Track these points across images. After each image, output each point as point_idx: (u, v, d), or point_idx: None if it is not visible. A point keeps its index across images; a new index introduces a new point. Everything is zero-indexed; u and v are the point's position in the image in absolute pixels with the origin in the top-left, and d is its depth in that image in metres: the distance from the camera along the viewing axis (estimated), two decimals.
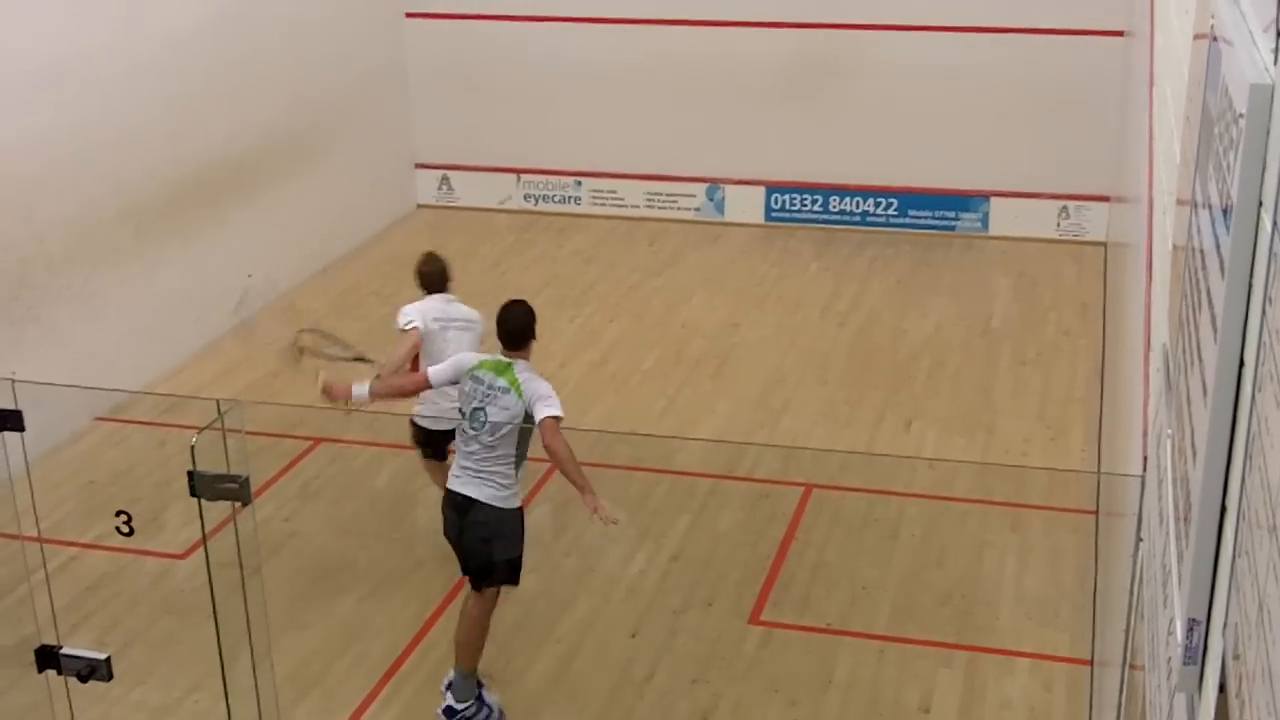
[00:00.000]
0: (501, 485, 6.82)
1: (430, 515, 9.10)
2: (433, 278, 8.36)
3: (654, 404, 10.58)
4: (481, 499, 6.80)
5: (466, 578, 7.10)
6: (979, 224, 14.13)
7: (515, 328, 6.94)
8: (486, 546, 6.88)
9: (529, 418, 6.76)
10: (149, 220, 11.00)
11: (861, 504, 8.96)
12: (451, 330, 8.00)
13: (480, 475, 6.82)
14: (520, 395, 6.76)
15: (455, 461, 7.03)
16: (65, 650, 5.43)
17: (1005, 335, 11.72)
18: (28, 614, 5.63)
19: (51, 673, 5.43)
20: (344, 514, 9.10)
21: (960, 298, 12.58)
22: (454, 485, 6.90)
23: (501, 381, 6.78)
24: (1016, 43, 13.52)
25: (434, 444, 8.30)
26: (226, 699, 5.26)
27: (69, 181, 10.09)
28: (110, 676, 5.39)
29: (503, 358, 6.89)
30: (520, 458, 6.88)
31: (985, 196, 14.05)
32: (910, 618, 7.79)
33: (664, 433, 10.00)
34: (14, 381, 5.26)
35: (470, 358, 6.99)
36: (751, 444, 9.67)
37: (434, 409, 7.97)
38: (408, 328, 7.95)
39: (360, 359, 8.29)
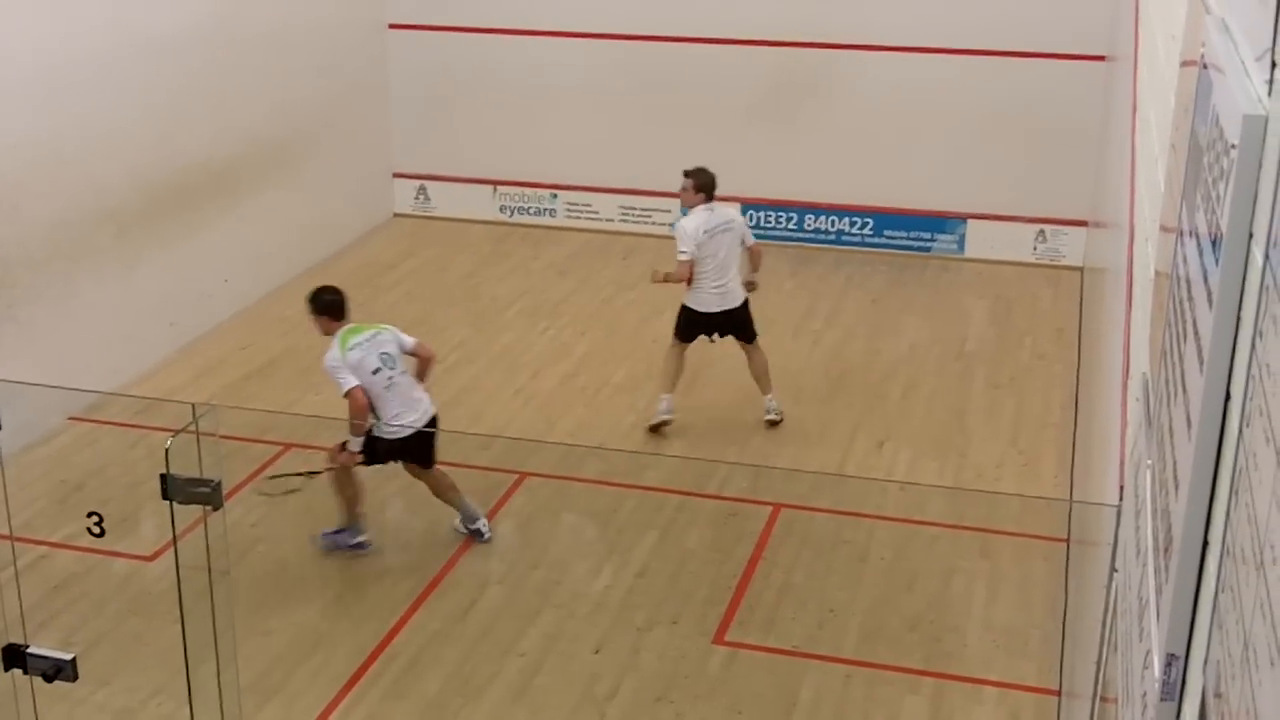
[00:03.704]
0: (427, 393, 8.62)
1: (396, 524, 9.11)
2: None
3: (624, 418, 10.56)
4: (428, 411, 8.51)
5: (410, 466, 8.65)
6: (955, 246, 14.17)
7: (343, 303, 8.53)
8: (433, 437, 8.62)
9: None
10: (130, 223, 10.97)
11: (831, 525, 8.95)
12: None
13: (415, 399, 8.46)
14: (388, 329, 8.51)
15: (391, 410, 8.31)
16: (32, 649, 5.37)
17: (980, 358, 11.74)
18: None
19: (17, 671, 5.37)
20: (311, 521, 9.04)
21: (935, 319, 12.60)
22: (408, 420, 8.37)
23: (371, 332, 8.42)
24: (995, 65, 13.57)
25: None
26: (190, 703, 5.22)
27: (52, 183, 10.05)
28: (76, 677, 5.33)
29: (349, 325, 8.44)
30: None
31: (962, 218, 14.09)
32: (878, 642, 7.77)
33: (633, 448, 9.98)
34: None
35: (333, 353, 8.29)
36: (721, 461, 9.66)
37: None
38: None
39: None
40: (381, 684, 7.38)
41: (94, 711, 7.02)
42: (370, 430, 8.30)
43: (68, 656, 5.40)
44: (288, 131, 13.19)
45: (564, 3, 14.62)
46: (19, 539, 7.14)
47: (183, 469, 5.50)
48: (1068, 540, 8.34)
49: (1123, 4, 11.19)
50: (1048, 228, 13.85)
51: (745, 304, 10.25)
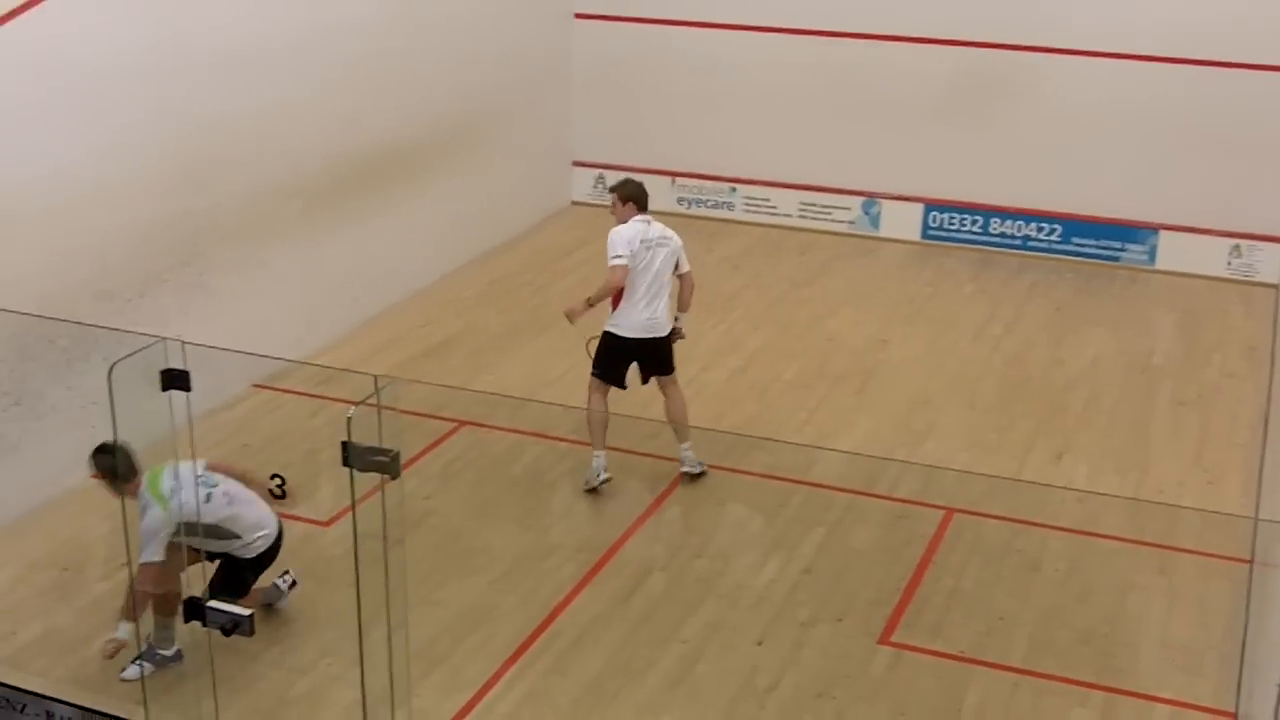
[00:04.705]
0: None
1: (565, 503, 9.18)
2: None
3: (794, 415, 10.50)
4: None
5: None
6: (1145, 256, 13.80)
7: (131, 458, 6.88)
8: None
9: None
10: (317, 199, 11.25)
11: (1004, 533, 8.78)
12: None
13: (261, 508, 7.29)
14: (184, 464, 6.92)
15: (250, 521, 7.21)
16: (212, 604, 5.53)
17: (1165, 373, 11.42)
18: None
19: (196, 624, 5.54)
20: (481, 497, 9.17)
21: (1121, 331, 12.29)
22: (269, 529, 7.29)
23: (170, 467, 6.90)
24: (1197, 74, 13.17)
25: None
26: (361, 665, 5.32)
27: (243, 158, 10.36)
28: (252, 632, 5.49)
29: (147, 472, 6.94)
30: None
31: (1153, 229, 13.72)
32: (1047, 653, 7.60)
33: (802, 443, 9.90)
34: (184, 343, 5.39)
35: (155, 513, 6.85)
36: (894, 459, 9.55)
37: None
38: None
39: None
40: (544, 660, 7.45)
41: (267, 668, 7.19)
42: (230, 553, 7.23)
43: (245, 612, 5.55)
44: (470, 116, 13.39)
45: None
46: None
47: (362, 438, 5.63)
48: (1251, 560, 8.07)
49: None
50: (1243, 243, 13.41)
51: (670, 335, 9.29)
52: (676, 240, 9.26)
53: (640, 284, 9.02)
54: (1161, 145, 13.43)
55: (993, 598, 8.12)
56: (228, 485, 7.17)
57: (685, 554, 8.54)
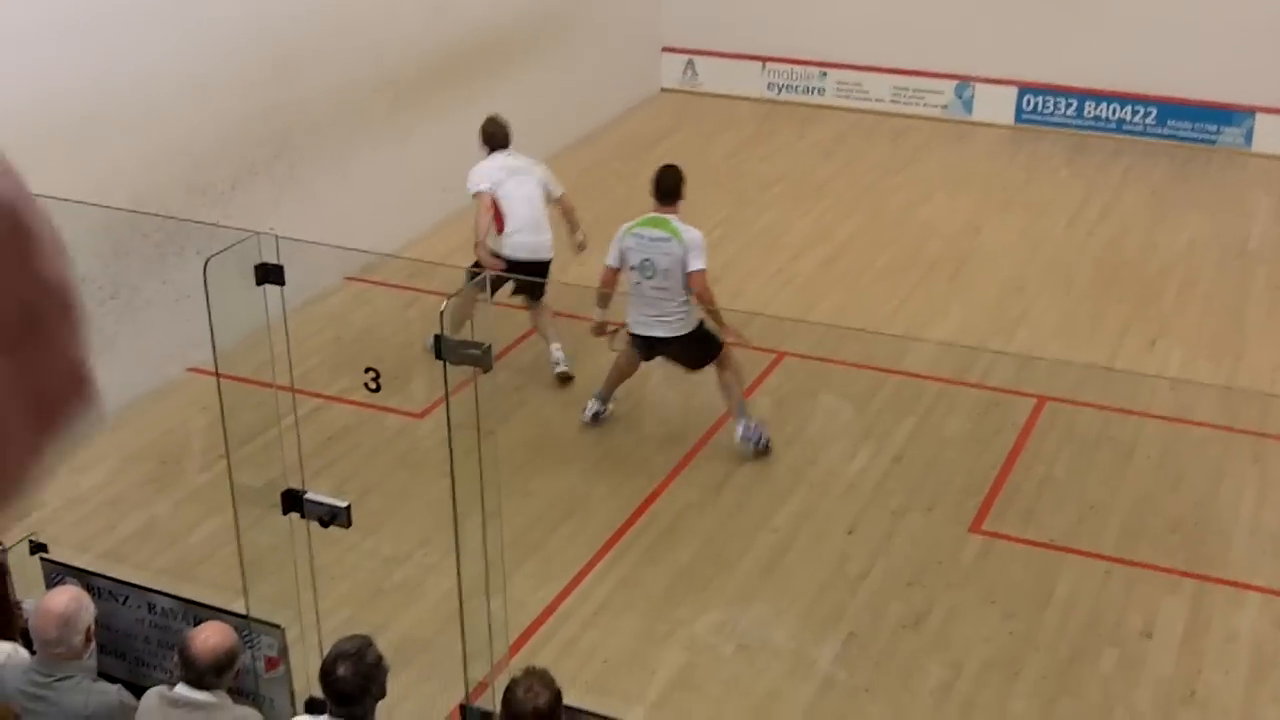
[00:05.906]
0: (679, 318, 8.09)
1: (656, 394, 9.21)
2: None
3: (885, 304, 10.44)
4: (665, 335, 8.13)
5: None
6: (1242, 139, 13.47)
7: (669, 186, 8.19)
8: (693, 358, 8.29)
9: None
10: (404, 92, 11.25)
11: (1097, 421, 8.72)
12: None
13: (659, 317, 8.09)
14: (681, 240, 7.97)
15: (634, 310, 8.15)
16: (309, 495, 5.62)
17: (1262, 258, 11.19)
18: (275, 459, 5.87)
19: (294, 515, 5.64)
20: (573, 388, 9.22)
21: (1217, 215, 12.05)
22: (639, 330, 8.19)
23: (660, 233, 7.99)
24: None
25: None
26: (457, 554, 5.41)
27: (333, 52, 10.38)
28: (349, 524, 5.57)
29: (656, 214, 8.10)
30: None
31: (1250, 111, 13.37)
32: (1139, 541, 7.58)
33: (894, 333, 9.86)
34: (277, 237, 5.44)
35: (623, 227, 8.12)
36: (985, 349, 9.48)
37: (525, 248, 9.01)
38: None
39: None
40: (636, 549, 7.55)
41: (363, 557, 7.36)
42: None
43: (343, 503, 5.64)
44: (558, 3, 13.27)
45: None
46: (299, 391, 7.47)
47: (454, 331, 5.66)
48: None
49: None
50: None
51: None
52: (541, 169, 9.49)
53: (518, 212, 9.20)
54: (1258, 25, 13.03)
55: (1084, 486, 8.09)
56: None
57: (776, 443, 8.56)
